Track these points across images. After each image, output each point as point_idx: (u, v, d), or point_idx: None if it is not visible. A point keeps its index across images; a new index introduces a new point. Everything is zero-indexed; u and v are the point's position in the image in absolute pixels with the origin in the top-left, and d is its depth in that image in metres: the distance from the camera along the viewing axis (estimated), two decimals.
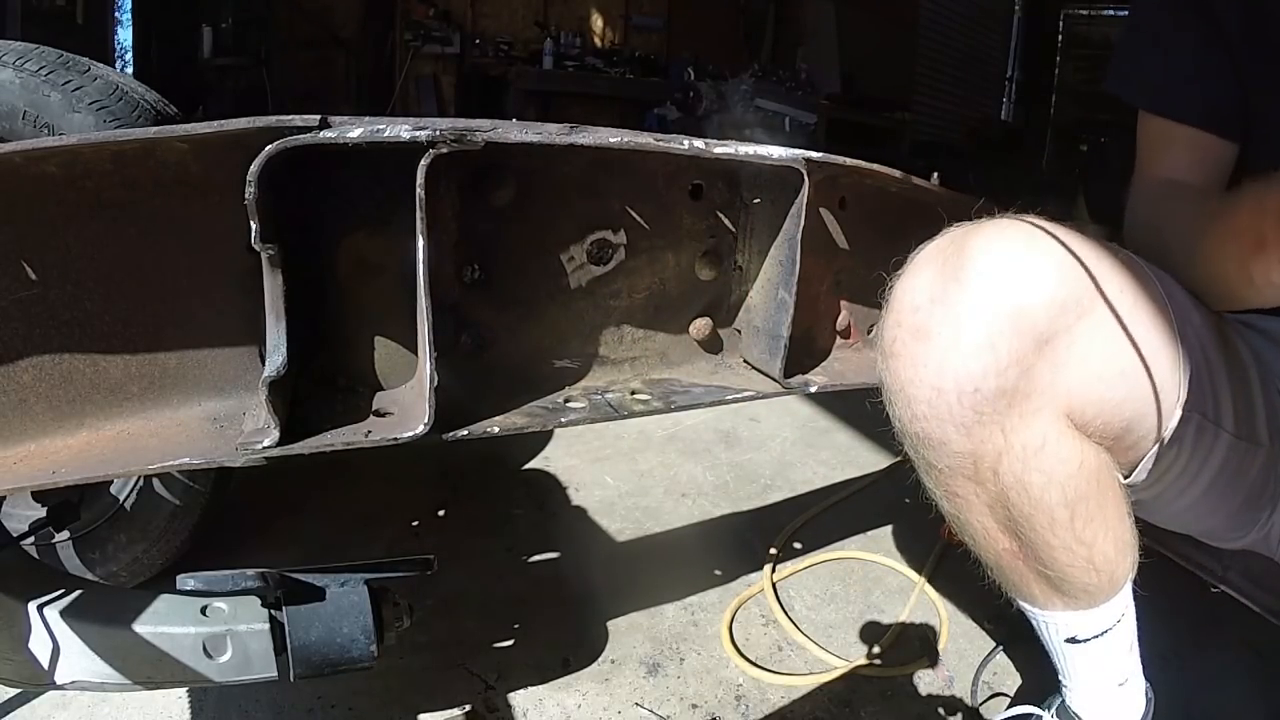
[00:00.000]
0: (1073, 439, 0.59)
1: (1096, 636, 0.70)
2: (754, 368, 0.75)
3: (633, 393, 0.70)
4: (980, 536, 0.66)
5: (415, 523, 1.43)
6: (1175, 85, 0.78)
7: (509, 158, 0.61)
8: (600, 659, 1.08)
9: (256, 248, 0.50)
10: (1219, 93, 0.75)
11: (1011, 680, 1.06)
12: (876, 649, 1.11)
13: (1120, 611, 0.70)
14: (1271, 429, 0.66)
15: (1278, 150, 0.74)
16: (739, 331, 0.76)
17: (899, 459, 1.58)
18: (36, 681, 0.71)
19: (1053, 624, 0.71)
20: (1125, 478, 0.65)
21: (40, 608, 0.70)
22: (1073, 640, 0.71)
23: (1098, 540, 0.63)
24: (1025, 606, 0.72)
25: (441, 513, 1.47)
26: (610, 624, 1.15)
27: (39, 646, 0.70)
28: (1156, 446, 0.62)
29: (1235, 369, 0.66)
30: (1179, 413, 0.61)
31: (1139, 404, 0.60)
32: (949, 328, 0.56)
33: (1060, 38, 6.20)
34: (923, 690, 1.05)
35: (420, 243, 0.52)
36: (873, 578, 1.30)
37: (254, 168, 0.48)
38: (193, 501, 1.08)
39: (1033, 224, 0.58)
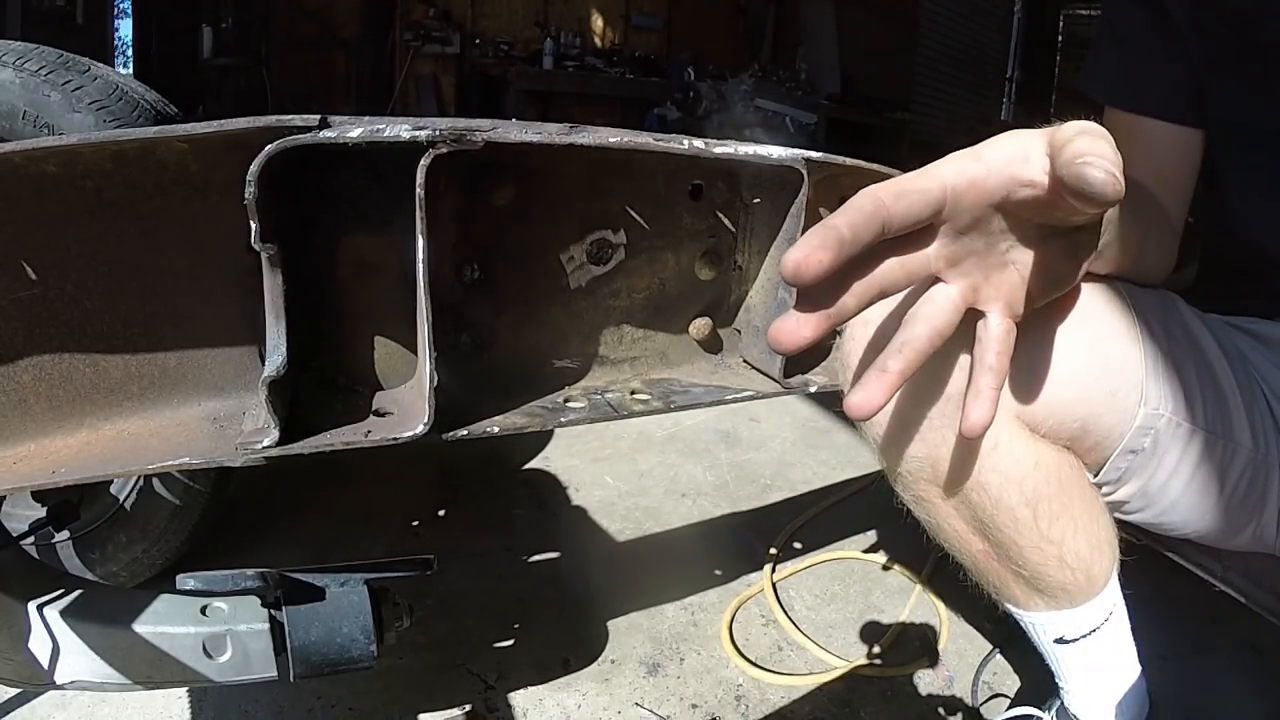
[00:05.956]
0: (1026, 439, 0.61)
1: (1084, 636, 0.70)
2: (754, 368, 0.75)
3: (633, 393, 0.70)
4: (954, 540, 0.67)
5: (415, 523, 1.43)
6: (1132, 77, 0.77)
7: (509, 158, 0.61)
8: (600, 659, 1.08)
9: (256, 247, 0.50)
10: (1172, 82, 0.75)
11: (1011, 681, 1.06)
12: (876, 649, 1.11)
13: (1107, 610, 0.70)
14: (1255, 431, 0.66)
15: (1231, 137, 0.74)
16: (739, 331, 0.76)
17: None
18: (36, 681, 0.71)
19: (1039, 624, 0.71)
20: (1095, 476, 0.66)
21: (40, 608, 0.70)
22: (1061, 640, 0.71)
23: (1066, 538, 0.63)
24: (1010, 608, 0.72)
25: (441, 513, 1.47)
26: (610, 624, 1.15)
27: (39, 646, 0.70)
28: (1121, 447, 0.63)
29: (1205, 367, 0.66)
30: (1142, 414, 0.62)
31: (1092, 405, 0.61)
32: None
33: (1060, 38, 6.20)
34: (923, 690, 1.05)
35: (420, 243, 0.52)
36: (873, 578, 1.30)
37: (254, 168, 0.48)
38: (193, 501, 1.08)
39: None
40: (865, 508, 1.52)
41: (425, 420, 0.55)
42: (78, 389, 0.55)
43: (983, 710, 1.00)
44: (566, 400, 0.67)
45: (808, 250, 0.38)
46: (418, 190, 0.52)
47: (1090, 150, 0.39)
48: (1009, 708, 0.94)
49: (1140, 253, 0.69)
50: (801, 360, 0.73)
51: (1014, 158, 0.44)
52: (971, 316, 0.49)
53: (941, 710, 1.03)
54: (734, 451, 1.80)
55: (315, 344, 0.60)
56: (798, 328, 0.41)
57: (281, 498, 1.46)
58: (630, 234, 0.68)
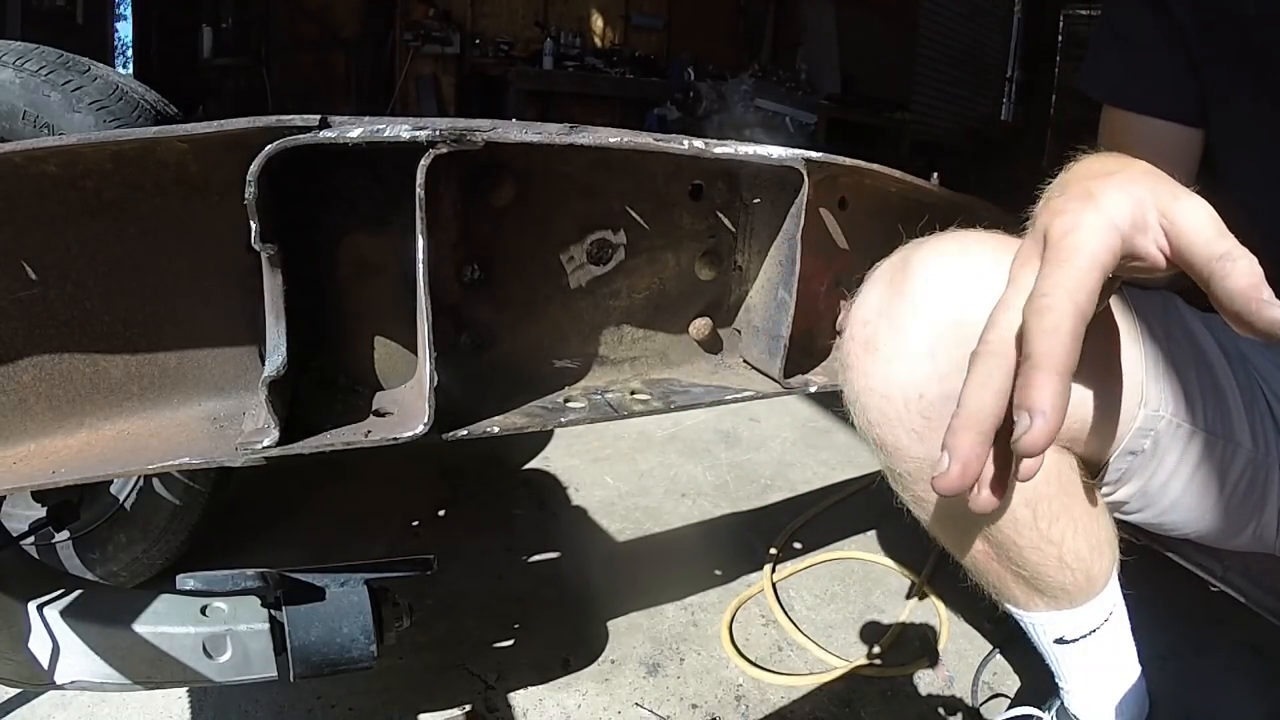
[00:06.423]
0: None
1: (1084, 636, 0.70)
2: (754, 368, 0.75)
3: (633, 393, 0.70)
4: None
5: (415, 523, 1.43)
6: (1132, 77, 0.77)
7: (509, 157, 0.61)
8: (600, 659, 1.08)
9: (256, 248, 0.50)
10: (1174, 81, 0.75)
11: (1011, 681, 1.06)
12: (876, 649, 1.11)
13: (1107, 610, 0.70)
14: (1255, 431, 0.66)
15: (1232, 136, 0.74)
16: (739, 331, 0.76)
17: None
18: (36, 681, 0.71)
19: (1039, 625, 0.72)
20: (1094, 477, 0.66)
21: (40, 608, 0.70)
22: (1061, 640, 0.71)
23: (1066, 538, 0.63)
24: (1010, 608, 0.72)
25: (441, 513, 1.47)
26: (610, 624, 1.15)
27: (39, 646, 0.70)
28: (1121, 448, 0.63)
29: (1205, 368, 0.66)
30: (1142, 415, 0.62)
31: (1091, 407, 0.61)
32: (893, 339, 0.58)
33: (1060, 38, 6.20)
34: (923, 690, 1.05)
35: (420, 243, 0.52)
36: (873, 578, 1.30)
37: (254, 168, 0.48)
38: (193, 501, 1.08)
39: (974, 237, 0.59)
40: (865, 508, 1.52)
41: (425, 420, 0.55)
42: (78, 389, 0.55)
43: (983, 710, 1.00)
44: (566, 400, 0.67)
45: (1048, 428, 0.39)
46: (418, 190, 0.52)
47: (1257, 279, 0.38)
48: (1009, 708, 0.94)
49: None
50: (801, 360, 0.73)
51: (1136, 224, 0.44)
52: None
53: (941, 710, 1.03)
54: (734, 451, 1.80)
55: (315, 344, 0.60)
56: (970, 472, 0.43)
57: (281, 498, 1.46)
58: (630, 234, 0.68)
